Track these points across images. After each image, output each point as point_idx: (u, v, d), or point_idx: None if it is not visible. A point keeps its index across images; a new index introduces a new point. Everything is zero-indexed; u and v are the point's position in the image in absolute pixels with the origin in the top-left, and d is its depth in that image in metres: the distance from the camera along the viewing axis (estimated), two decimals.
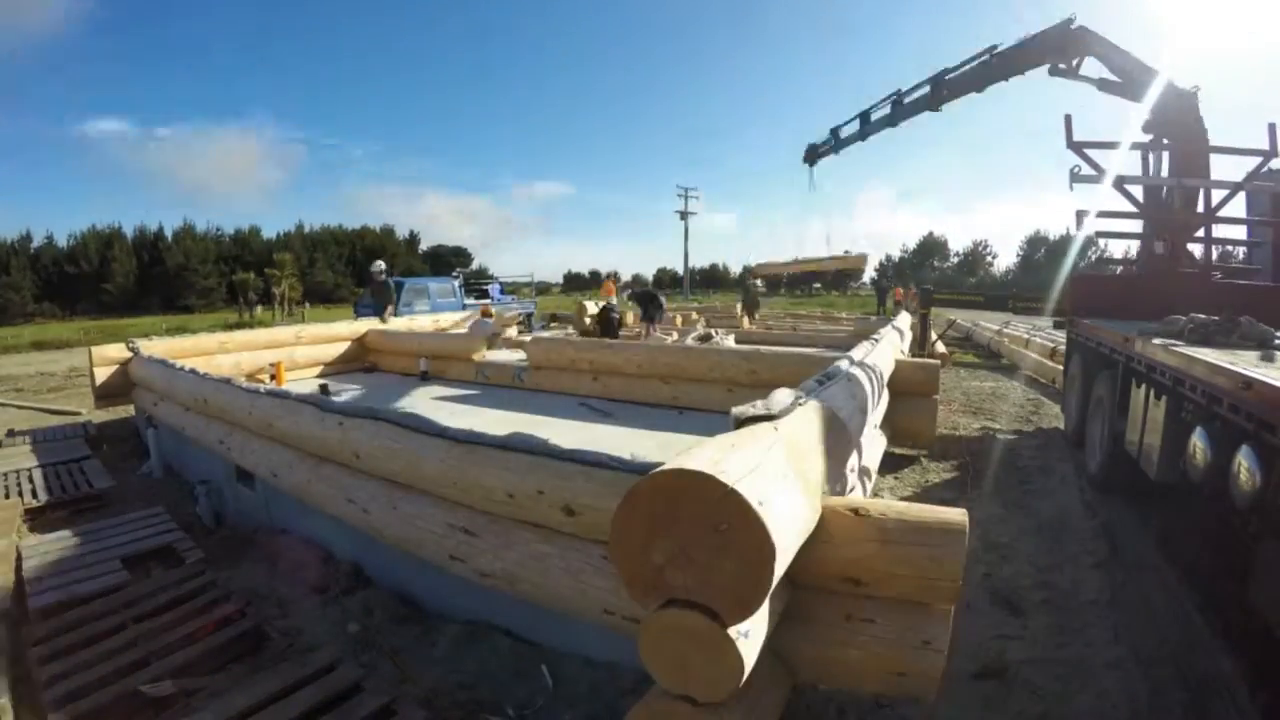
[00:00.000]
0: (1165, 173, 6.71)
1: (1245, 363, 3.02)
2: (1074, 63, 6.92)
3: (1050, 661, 2.80)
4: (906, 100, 8.99)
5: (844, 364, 3.64)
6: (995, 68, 7.66)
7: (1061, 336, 8.37)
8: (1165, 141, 6.63)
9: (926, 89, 8.59)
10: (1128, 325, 4.92)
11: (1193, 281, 6.29)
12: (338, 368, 9.22)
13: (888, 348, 5.30)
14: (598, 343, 7.18)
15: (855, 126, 10.16)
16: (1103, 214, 6.98)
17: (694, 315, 16.57)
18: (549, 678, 2.51)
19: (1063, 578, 3.59)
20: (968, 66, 8.00)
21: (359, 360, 9.52)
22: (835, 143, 10.83)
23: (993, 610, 3.25)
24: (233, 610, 2.95)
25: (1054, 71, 7.09)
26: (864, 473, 3.78)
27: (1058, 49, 6.98)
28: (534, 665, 2.60)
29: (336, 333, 9.55)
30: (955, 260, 57.67)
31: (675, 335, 9.25)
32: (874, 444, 4.52)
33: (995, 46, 7.64)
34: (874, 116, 9.71)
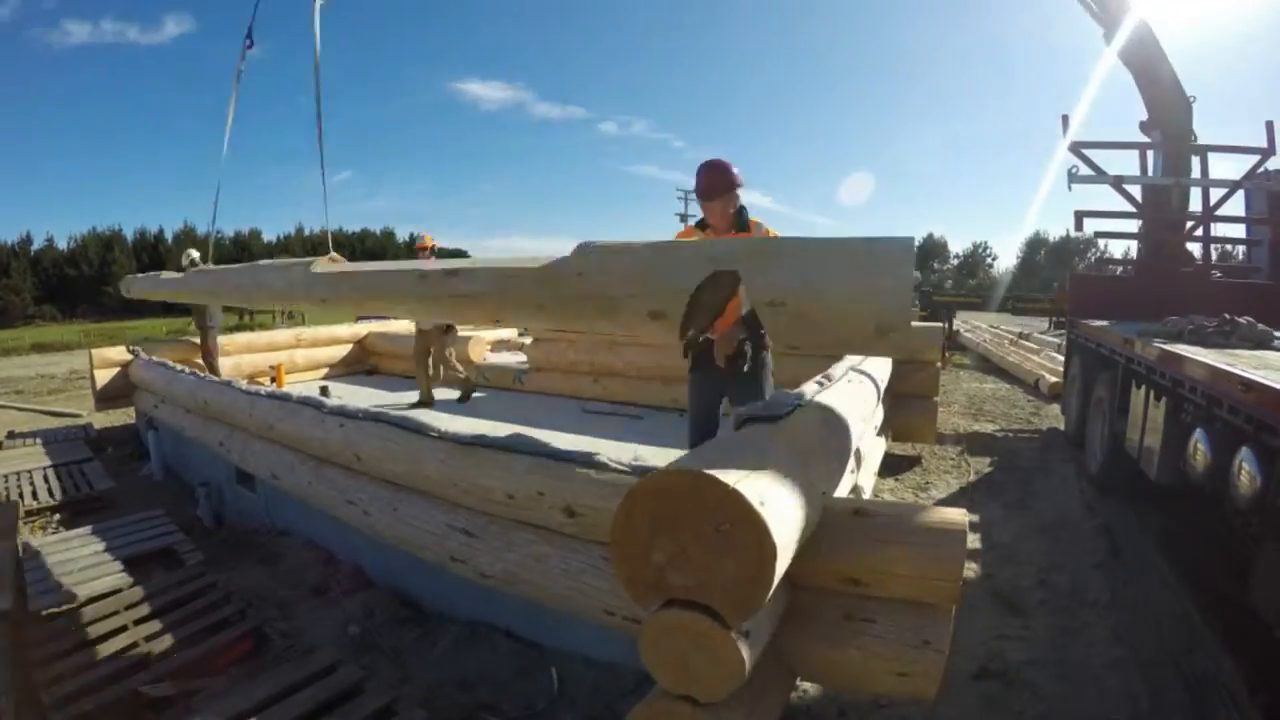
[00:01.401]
0: (1160, 172, 6.69)
1: (1245, 364, 3.02)
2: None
3: (1050, 662, 2.81)
4: None
5: (843, 367, 3.65)
6: None
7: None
8: (1159, 141, 6.63)
9: None
10: (1128, 326, 4.92)
11: (1192, 281, 6.29)
12: (338, 370, 9.22)
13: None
14: (599, 344, 7.18)
15: None
16: (1101, 214, 6.98)
17: None
18: (556, 681, 2.51)
19: (1063, 578, 3.59)
20: None
21: (360, 363, 9.52)
22: None
23: (993, 610, 3.25)
24: (246, 639, 2.88)
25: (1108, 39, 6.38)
26: (864, 474, 3.78)
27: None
28: (534, 665, 2.60)
29: (336, 335, 9.55)
30: (955, 262, 57.69)
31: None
32: (874, 445, 4.52)
33: None
34: None
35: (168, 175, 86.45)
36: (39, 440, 6.63)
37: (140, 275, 6.84)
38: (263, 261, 4.31)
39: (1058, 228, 51.31)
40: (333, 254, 3.43)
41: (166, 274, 5.94)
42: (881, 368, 4.62)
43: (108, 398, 6.96)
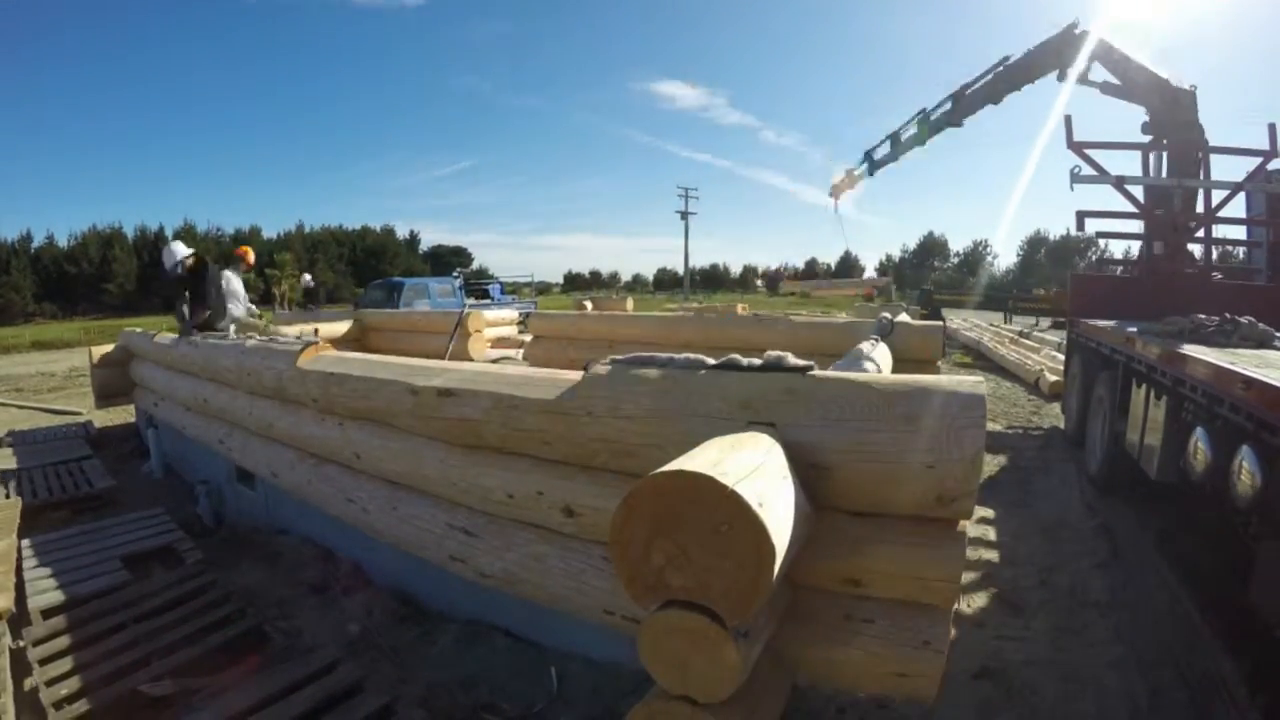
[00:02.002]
0: (1164, 173, 6.71)
1: (1245, 362, 3.02)
2: (1082, 68, 7.00)
3: (1051, 662, 2.81)
4: (932, 118, 8.85)
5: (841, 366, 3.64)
6: (1006, 78, 7.77)
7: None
8: (1165, 142, 6.64)
9: (949, 105, 8.47)
10: (1128, 325, 4.92)
11: (1193, 281, 6.30)
12: None
13: (886, 348, 5.28)
14: (599, 344, 7.18)
15: (887, 148, 9.82)
16: (1103, 214, 6.99)
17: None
18: (555, 681, 2.50)
19: (1063, 578, 3.59)
20: (983, 80, 8.05)
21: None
22: (870, 165, 10.22)
23: (993, 610, 3.25)
24: (253, 654, 2.81)
25: (1061, 77, 7.19)
26: None
27: (1061, 54, 7.12)
28: (534, 665, 2.60)
29: (335, 333, 9.54)
30: (955, 260, 57.69)
31: None
32: None
33: (1007, 57, 7.74)
34: (903, 137, 9.46)
35: (174, 171, 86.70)
36: (39, 438, 6.63)
37: (139, 332, 6.92)
38: (250, 343, 4.41)
39: (1058, 227, 51.34)
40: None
41: (161, 337, 6.06)
42: (883, 363, 4.61)
43: (107, 395, 6.95)
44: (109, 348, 7.23)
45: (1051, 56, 7.19)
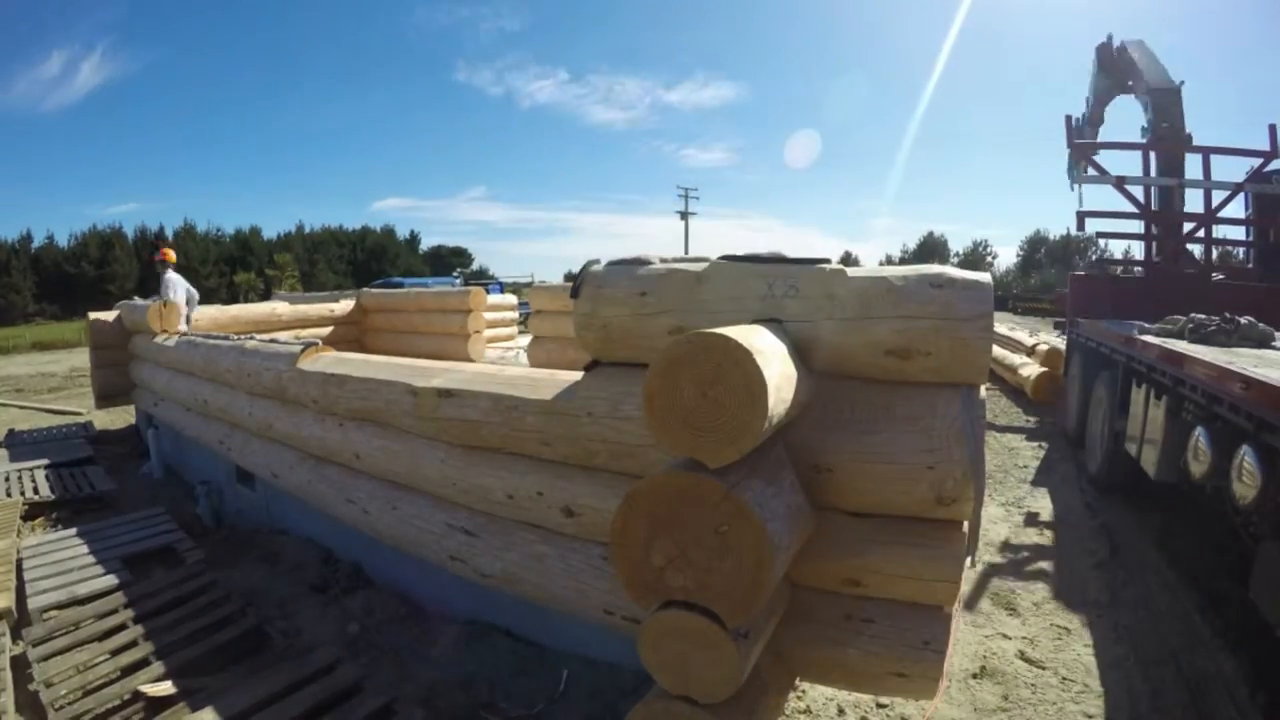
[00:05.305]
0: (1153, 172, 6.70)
1: (1245, 362, 3.02)
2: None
3: (1050, 661, 2.81)
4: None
5: None
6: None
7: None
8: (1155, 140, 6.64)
9: None
10: (1128, 325, 4.92)
11: (1193, 282, 6.29)
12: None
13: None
14: None
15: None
16: (1103, 214, 6.98)
17: None
18: (563, 683, 2.50)
19: (1063, 578, 3.59)
20: None
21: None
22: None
23: (993, 610, 3.25)
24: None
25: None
26: None
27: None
28: (534, 665, 2.60)
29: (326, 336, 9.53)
30: (955, 260, 57.64)
31: None
32: None
33: None
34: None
35: (169, 171, 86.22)
36: (39, 438, 6.63)
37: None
38: (249, 343, 4.38)
39: (1058, 227, 51.34)
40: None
41: (159, 338, 5.93)
42: None
43: (108, 396, 6.93)
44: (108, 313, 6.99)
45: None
